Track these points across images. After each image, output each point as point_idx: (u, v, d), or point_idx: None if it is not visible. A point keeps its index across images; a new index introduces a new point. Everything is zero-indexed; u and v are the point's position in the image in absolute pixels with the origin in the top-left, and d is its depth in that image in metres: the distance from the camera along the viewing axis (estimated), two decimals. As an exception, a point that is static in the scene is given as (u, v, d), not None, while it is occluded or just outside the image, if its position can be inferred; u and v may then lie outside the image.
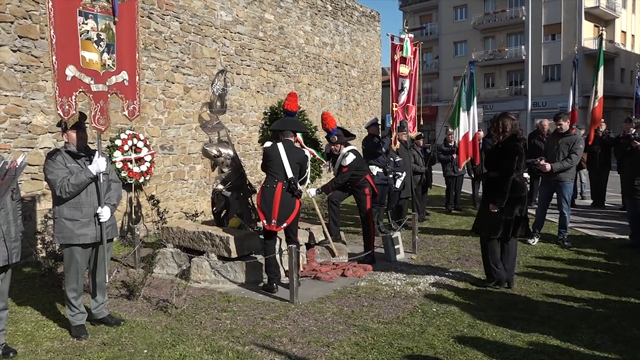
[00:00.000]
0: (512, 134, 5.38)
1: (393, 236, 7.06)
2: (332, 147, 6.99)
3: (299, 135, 6.52)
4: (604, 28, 15.97)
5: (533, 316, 4.66)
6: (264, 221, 5.60)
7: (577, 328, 4.36)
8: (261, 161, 5.92)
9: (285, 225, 5.57)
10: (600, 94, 10.33)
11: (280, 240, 5.95)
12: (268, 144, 5.94)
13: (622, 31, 37.71)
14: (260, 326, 4.57)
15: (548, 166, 7.22)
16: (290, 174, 5.54)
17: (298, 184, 5.62)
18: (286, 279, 5.74)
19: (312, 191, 6.69)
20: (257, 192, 5.88)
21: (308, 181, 6.46)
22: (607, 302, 4.99)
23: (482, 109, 19.46)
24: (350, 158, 6.80)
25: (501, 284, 5.52)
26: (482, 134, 11.25)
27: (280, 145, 5.66)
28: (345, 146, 6.94)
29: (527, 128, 19.48)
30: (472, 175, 11.05)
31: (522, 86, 35.64)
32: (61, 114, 4.11)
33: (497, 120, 5.46)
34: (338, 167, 6.93)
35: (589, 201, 11.61)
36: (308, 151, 6.63)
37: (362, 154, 8.47)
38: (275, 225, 5.55)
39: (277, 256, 5.87)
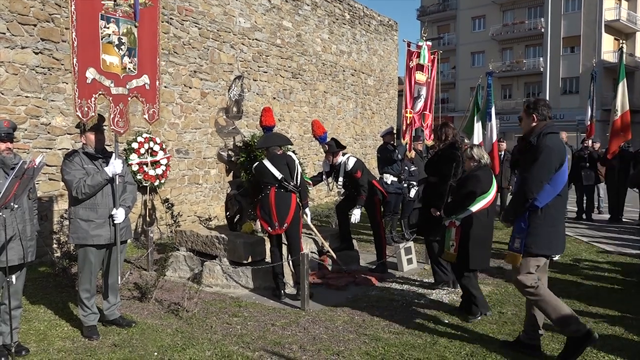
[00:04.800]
0: (451, 142, 5.68)
1: (406, 246, 7.01)
2: (327, 157, 6.90)
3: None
4: (624, 41, 15.85)
5: (546, 331, 4.58)
6: (268, 228, 5.63)
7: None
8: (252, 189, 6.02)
9: (286, 225, 5.56)
10: (619, 108, 10.20)
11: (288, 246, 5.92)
12: (255, 164, 5.93)
13: (643, 45, 37.23)
14: (270, 332, 4.56)
15: None
16: (279, 175, 5.58)
17: (290, 182, 5.62)
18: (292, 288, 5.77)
19: (308, 215, 6.30)
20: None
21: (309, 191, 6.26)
22: (623, 319, 4.89)
23: (498, 120, 19.34)
24: (353, 160, 6.76)
25: (448, 285, 5.90)
26: (504, 145, 11.16)
27: (265, 160, 5.72)
28: (340, 155, 6.85)
29: (544, 140, 19.29)
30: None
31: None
32: (80, 115, 4.17)
33: (440, 129, 5.77)
34: (344, 174, 6.78)
35: (607, 216, 11.44)
36: None
37: (377, 162, 8.44)
38: (278, 228, 5.57)
39: (286, 263, 5.85)
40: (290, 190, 5.61)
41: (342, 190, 6.99)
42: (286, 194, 5.59)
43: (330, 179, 7.07)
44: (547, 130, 3.93)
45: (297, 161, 5.81)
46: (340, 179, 6.82)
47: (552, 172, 3.83)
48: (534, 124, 4.03)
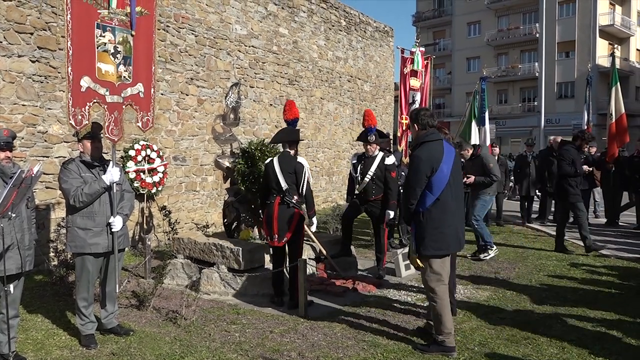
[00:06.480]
0: None
1: (404, 252, 7.01)
2: (368, 147, 6.71)
3: None
4: (617, 46, 15.96)
5: (546, 336, 4.59)
6: (268, 237, 5.62)
7: (591, 349, 4.28)
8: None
9: (285, 239, 5.49)
10: (614, 112, 10.27)
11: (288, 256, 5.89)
12: (266, 161, 5.83)
13: (637, 49, 37.49)
14: (269, 340, 4.55)
15: (471, 179, 7.70)
16: (285, 186, 5.46)
17: (295, 195, 5.49)
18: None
19: (314, 224, 6.08)
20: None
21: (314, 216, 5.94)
22: (621, 323, 4.90)
23: (494, 125, 19.38)
24: (393, 158, 6.74)
25: None
26: (497, 150, 11.22)
27: (275, 159, 5.62)
28: (377, 148, 6.77)
29: (540, 145, 19.38)
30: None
31: (535, 103, 35.56)
32: (73, 123, 4.16)
33: None
34: (378, 167, 6.61)
35: (603, 220, 11.47)
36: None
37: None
38: (277, 240, 5.52)
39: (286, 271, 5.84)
40: (293, 206, 5.48)
41: (367, 180, 6.66)
42: (289, 210, 5.47)
43: (358, 170, 6.78)
44: (422, 139, 4.31)
45: (306, 167, 5.60)
46: (372, 171, 6.62)
47: (423, 179, 4.16)
48: (416, 133, 4.42)
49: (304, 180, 5.53)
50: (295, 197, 5.50)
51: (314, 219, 5.94)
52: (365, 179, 6.67)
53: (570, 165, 7.93)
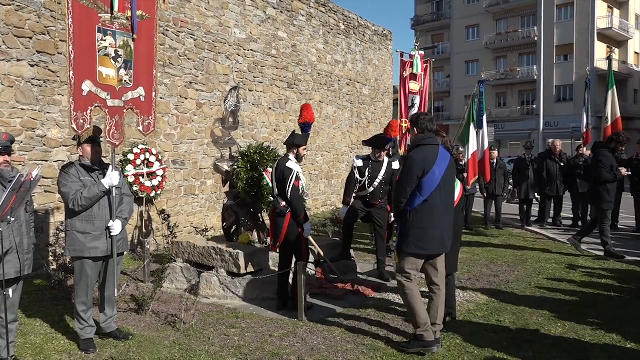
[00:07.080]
0: None
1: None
2: (382, 152, 6.77)
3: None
4: (614, 49, 16.01)
5: (545, 339, 4.59)
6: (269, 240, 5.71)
7: (591, 352, 4.28)
8: None
9: (279, 244, 5.52)
10: (610, 115, 10.28)
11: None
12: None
13: (636, 52, 37.61)
14: (268, 343, 4.54)
15: None
16: (275, 191, 5.48)
17: (283, 201, 5.37)
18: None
19: (306, 230, 5.59)
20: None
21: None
22: (621, 326, 4.90)
23: (493, 128, 19.39)
24: (398, 163, 6.78)
25: None
26: (495, 153, 11.23)
27: (275, 164, 5.64)
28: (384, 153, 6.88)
29: (539, 148, 19.39)
30: (485, 194, 11.01)
31: (534, 106, 35.64)
32: (75, 127, 4.17)
33: None
34: (386, 172, 6.70)
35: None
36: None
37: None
38: (272, 244, 5.61)
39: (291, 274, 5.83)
40: (280, 211, 5.42)
41: (377, 184, 6.69)
42: (278, 215, 5.46)
43: (365, 174, 6.72)
44: (418, 142, 4.43)
45: (294, 173, 5.35)
46: (382, 175, 6.70)
47: (415, 179, 4.26)
48: (415, 136, 4.55)
49: (289, 185, 5.32)
50: (283, 203, 5.40)
51: (306, 225, 5.53)
52: (375, 182, 6.72)
53: (609, 172, 7.83)
